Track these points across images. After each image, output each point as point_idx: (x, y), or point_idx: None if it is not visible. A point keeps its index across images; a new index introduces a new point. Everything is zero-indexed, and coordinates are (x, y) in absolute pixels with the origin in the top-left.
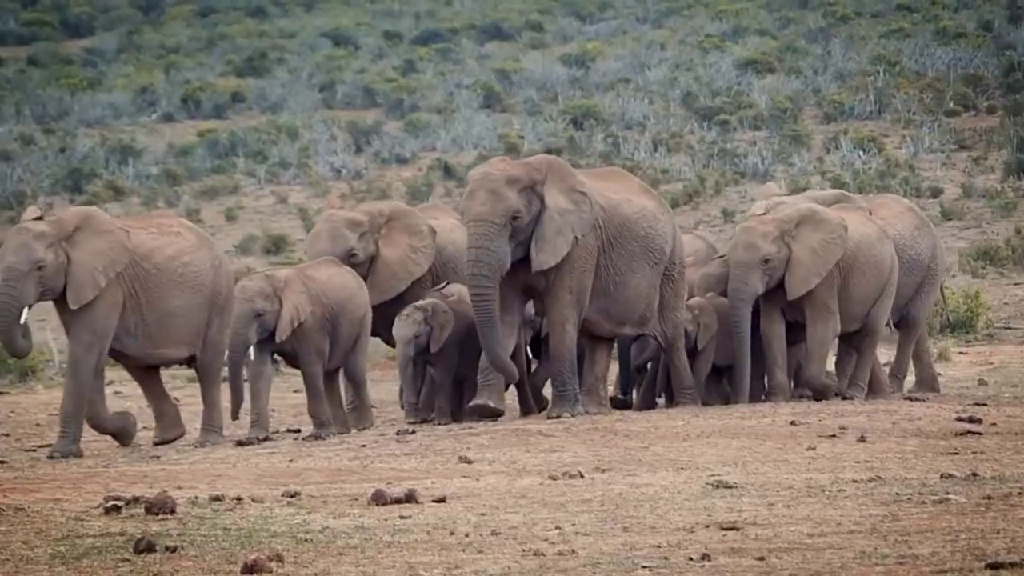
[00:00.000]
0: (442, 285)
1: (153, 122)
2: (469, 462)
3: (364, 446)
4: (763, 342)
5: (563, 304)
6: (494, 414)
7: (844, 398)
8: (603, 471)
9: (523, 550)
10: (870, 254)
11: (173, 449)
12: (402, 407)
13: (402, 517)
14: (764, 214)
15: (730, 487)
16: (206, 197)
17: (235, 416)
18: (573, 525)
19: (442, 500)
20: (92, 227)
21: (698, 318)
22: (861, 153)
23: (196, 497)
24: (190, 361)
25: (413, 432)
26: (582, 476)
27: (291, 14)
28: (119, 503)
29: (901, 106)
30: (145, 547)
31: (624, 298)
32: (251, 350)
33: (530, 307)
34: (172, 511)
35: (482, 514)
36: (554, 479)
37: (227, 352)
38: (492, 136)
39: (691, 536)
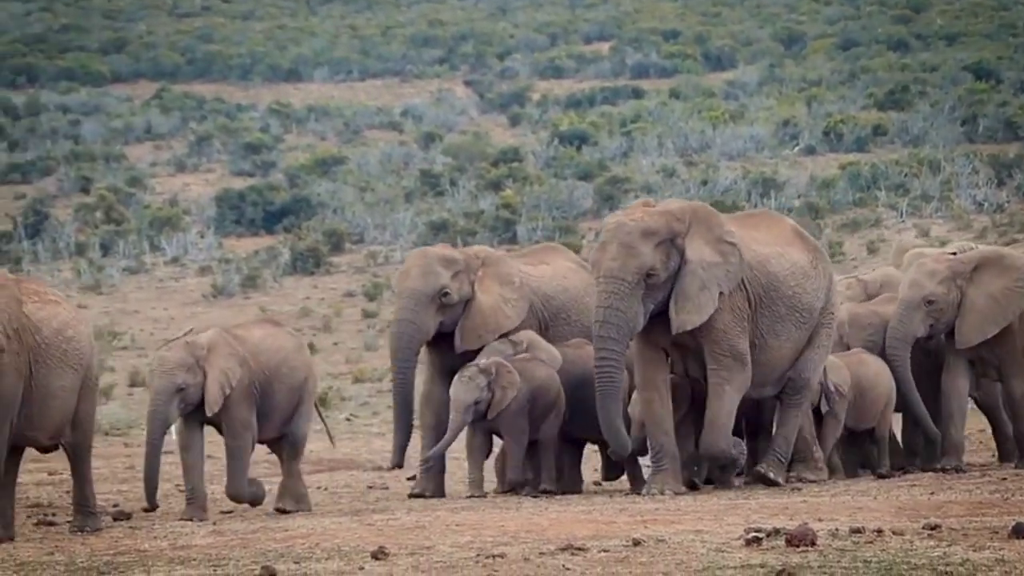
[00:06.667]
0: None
1: (795, 155)
2: None
3: (1005, 479)
4: (942, 395)
5: (723, 367)
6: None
7: None
8: None
9: None
10: None
11: (816, 482)
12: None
13: None
14: (953, 254)
15: None
16: (847, 230)
17: (151, 503)
18: None
19: None
20: None
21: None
22: None
23: (836, 529)
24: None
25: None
26: None
27: (933, 48)
28: (760, 535)
29: None
30: None
31: (763, 361)
32: (173, 426)
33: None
34: (813, 543)
35: None
36: None
37: (146, 431)
38: None
39: None
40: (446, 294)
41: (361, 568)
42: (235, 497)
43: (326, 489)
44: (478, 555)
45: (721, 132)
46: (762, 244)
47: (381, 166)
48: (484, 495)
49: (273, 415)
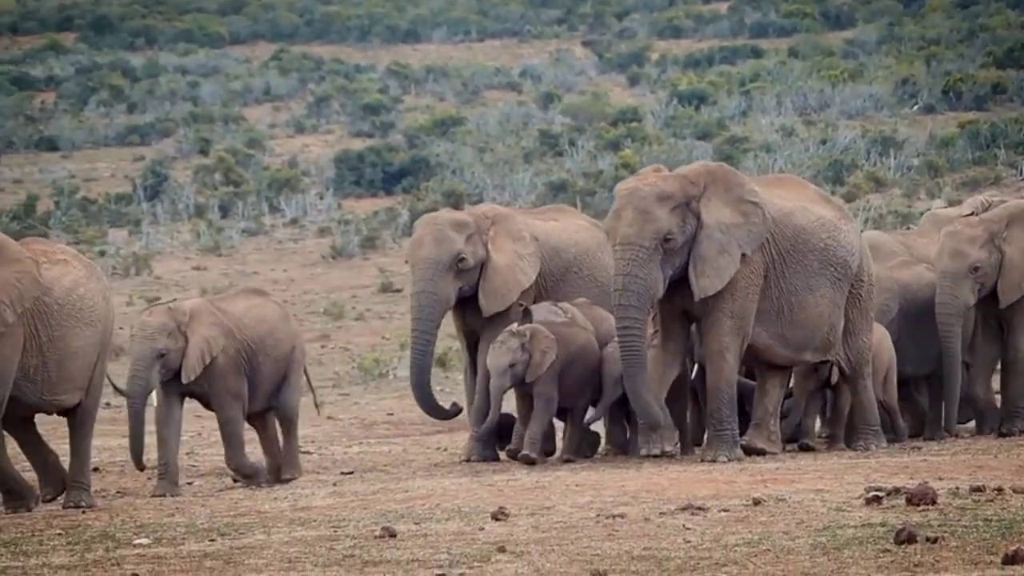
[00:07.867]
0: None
1: (914, 113)
2: None
3: None
4: (1014, 360)
5: (723, 331)
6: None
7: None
8: None
9: None
10: None
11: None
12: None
13: None
14: (971, 214)
15: None
16: (967, 189)
17: (140, 466)
18: None
19: None
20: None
21: None
22: None
23: (957, 488)
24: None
25: None
26: None
27: None
28: (880, 494)
29: None
30: (906, 538)
31: (802, 321)
32: (154, 394)
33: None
34: (933, 502)
35: None
36: None
37: (127, 398)
38: None
39: None
40: (462, 259)
41: (481, 529)
42: (238, 469)
43: (446, 450)
44: (598, 515)
45: (840, 91)
46: (785, 200)
47: (500, 126)
48: (534, 461)
49: (259, 388)
